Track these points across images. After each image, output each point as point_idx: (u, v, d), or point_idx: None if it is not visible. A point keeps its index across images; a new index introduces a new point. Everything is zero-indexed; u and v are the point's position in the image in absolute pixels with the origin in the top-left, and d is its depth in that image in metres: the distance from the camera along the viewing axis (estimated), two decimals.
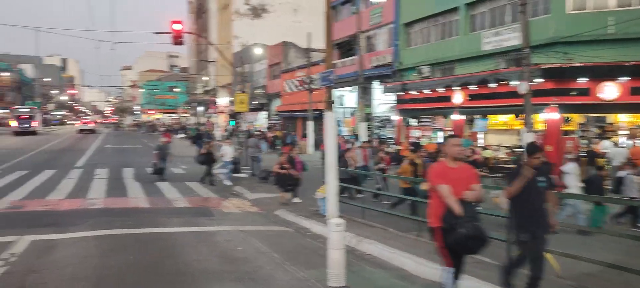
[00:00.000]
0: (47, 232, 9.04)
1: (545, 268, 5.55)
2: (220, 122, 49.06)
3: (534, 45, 14.97)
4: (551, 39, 17.94)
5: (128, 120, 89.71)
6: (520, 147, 17.01)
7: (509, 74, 18.25)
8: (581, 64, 16.84)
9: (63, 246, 8.10)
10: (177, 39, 19.42)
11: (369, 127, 25.11)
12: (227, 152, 16.74)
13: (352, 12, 27.76)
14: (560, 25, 18.09)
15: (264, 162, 18.58)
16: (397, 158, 19.21)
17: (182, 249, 8.07)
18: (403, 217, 9.66)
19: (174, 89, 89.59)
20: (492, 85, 19.38)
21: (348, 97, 31.23)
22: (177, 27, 19.27)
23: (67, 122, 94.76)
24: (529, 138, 13.50)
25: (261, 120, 45.06)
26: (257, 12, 52.80)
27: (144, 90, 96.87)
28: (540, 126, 17.73)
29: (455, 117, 22.02)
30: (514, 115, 19.60)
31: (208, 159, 16.49)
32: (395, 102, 26.04)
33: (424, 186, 10.09)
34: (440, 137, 23.41)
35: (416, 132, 25.16)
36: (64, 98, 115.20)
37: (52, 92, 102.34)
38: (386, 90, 26.54)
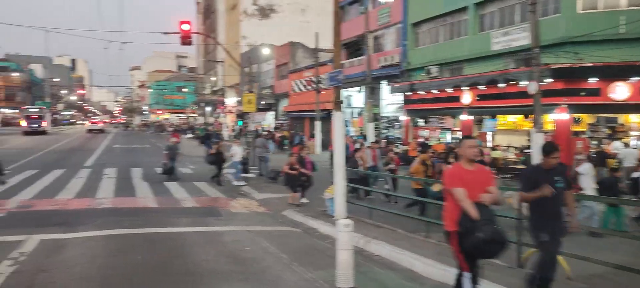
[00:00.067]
0: (56, 231, 9.08)
1: (557, 269, 5.48)
2: (228, 122, 49.18)
3: (543, 45, 14.82)
4: (561, 39, 17.78)
5: (137, 120, 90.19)
6: (529, 147, 16.88)
7: (518, 74, 18.13)
8: (592, 64, 16.68)
9: (72, 245, 8.13)
10: (186, 39, 19.47)
11: (376, 128, 25.06)
12: (237, 152, 16.75)
13: (360, 12, 27.72)
14: (571, 25, 17.93)
15: (272, 162, 18.58)
16: (405, 158, 19.16)
17: (190, 249, 8.07)
18: (412, 217, 9.61)
19: (182, 89, 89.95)
20: (501, 85, 19.26)
21: (356, 97, 31.17)
22: (185, 27, 19.31)
23: (77, 122, 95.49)
24: (538, 139, 13.39)
25: (269, 120, 45.11)
26: (264, 12, 52.89)
27: (152, 90, 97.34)
28: (549, 127, 17.59)
29: (464, 117, 21.91)
30: (523, 115, 19.47)
31: (218, 159, 16.55)
32: (403, 102, 25.95)
33: (436, 187, 10.06)
34: (448, 137, 23.32)
35: (424, 133, 25.06)
36: (73, 98, 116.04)
37: (62, 92, 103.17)
38: (394, 91, 26.45)
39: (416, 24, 26.47)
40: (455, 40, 23.86)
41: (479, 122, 21.84)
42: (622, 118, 17.89)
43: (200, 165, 20.98)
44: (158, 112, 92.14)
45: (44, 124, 48.58)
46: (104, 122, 72.70)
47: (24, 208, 11.65)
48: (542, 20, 15.98)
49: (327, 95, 23.30)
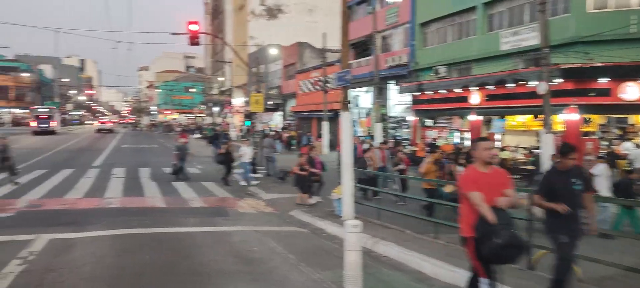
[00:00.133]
0: (64, 230, 9.13)
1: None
2: (236, 122, 49.26)
3: (553, 44, 14.68)
4: (571, 39, 17.64)
5: (145, 120, 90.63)
6: (538, 148, 16.75)
7: (527, 74, 17.99)
8: (602, 64, 16.53)
9: (80, 245, 8.16)
10: (194, 40, 19.52)
11: (384, 128, 24.98)
12: (246, 152, 16.76)
13: (368, 12, 27.65)
14: (581, 25, 17.78)
15: (279, 162, 18.58)
16: (413, 159, 19.08)
17: (198, 249, 8.08)
18: (420, 218, 9.56)
19: (190, 90, 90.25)
20: (510, 85, 19.14)
21: (363, 97, 31.12)
22: (193, 27, 19.37)
23: (85, 122, 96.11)
24: (548, 139, 13.28)
25: (276, 120, 45.16)
26: (272, 12, 52.97)
27: (160, 90, 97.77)
28: (559, 127, 17.45)
29: (472, 117, 21.79)
30: (532, 116, 19.33)
31: (227, 159, 16.59)
32: (411, 102, 25.86)
33: (448, 188, 9.99)
34: (456, 137, 23.21)
35: (432, 133, 24.96)
36: (82, 98, 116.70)
37: (71, 92, 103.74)
38: (402, 91, 26.37)
39: (424, 24, 26.37)
40: (464, 40, 23.74)
41: (488, 123, 21.72)
42: (632, 118, 17.71)
43: (208, 165, 21.05)
44: (166, 112, 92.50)
45: (54, 123, 48.90)
46: (113, 122, 73.11)
47: (33, 207, 11.71)
48: (551, 20, 15.85)
49: (335, 95, 23.30)
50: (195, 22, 19.61)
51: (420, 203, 10.69)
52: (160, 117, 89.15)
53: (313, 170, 12.58)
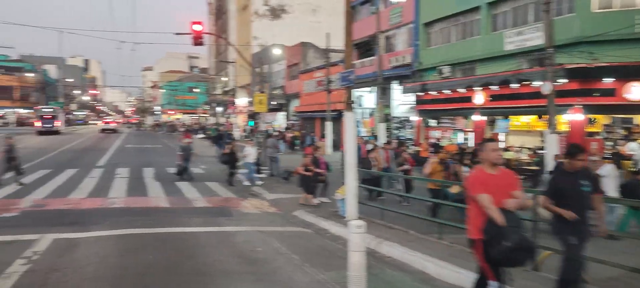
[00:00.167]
0: (68, 230, 9.14)
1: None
2: (239, 123, 49.31)
3: (557, 44, 14.66)
4: (575, 39, 17.56)
5: (149, 120, 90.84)
6: (542, 148, 16.70)
7: (531, 74, 17.94)
8: (607, 64, 16.46)
9: (84, 245, 8.17)
10: (197, 40, 19.56)
11: (387, 128, 24.95)
12: (251, 153, 16.76)
13: (372, 12, 27.62)
14: (585, 24, 17.71)
15: (282, 163, 18.58)
16: (416, 159, 19.03)
17: (202, 249, 8.07)
18: (424, 219, 9.53)
19: (194, 90, 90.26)
20: (514, 85, 19.08)
21: (367, 97, 31.09)
22: (197, 28, 19.41)
23: (90, 122, 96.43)
24: (552, 140, 13.24)
25: (280, 120, 45.17)
26: (276, 12, 53.00)
27: (164, 90, 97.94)
28: (563, 127, 17.39)
29: (476, 118, 21.74)
30: (536, 116, 19.28)
31: (231, 159, 16.61)
32: (415, 102, 25.82)
33: (454, 189, 9.95)
34: (460, 138, 23.16)
35: (436, 133, 24.91)
36: (86, 98, 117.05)
37: (75, 92, 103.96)
38: (405, 91, 26.33)
39: (428, 24, 26.32)
40: (468, 40, 23.69)
41: (492, 123, 21.66)
42: (637, 119, 17.63)
43: (211, 165, 21.06)
44: (170, 112, 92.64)
45: (58, 123, 49.05)
46: (117, 122, 73.29)
47: (37, 207, 11.74)
48: (556, 20, 15.81)
49: (338, 95, 23.24)
50: (199, 22, 19.65)
51: (425, 203, 10.66)
52: (164, 117, 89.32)
53: (318, 170, 12.57)
